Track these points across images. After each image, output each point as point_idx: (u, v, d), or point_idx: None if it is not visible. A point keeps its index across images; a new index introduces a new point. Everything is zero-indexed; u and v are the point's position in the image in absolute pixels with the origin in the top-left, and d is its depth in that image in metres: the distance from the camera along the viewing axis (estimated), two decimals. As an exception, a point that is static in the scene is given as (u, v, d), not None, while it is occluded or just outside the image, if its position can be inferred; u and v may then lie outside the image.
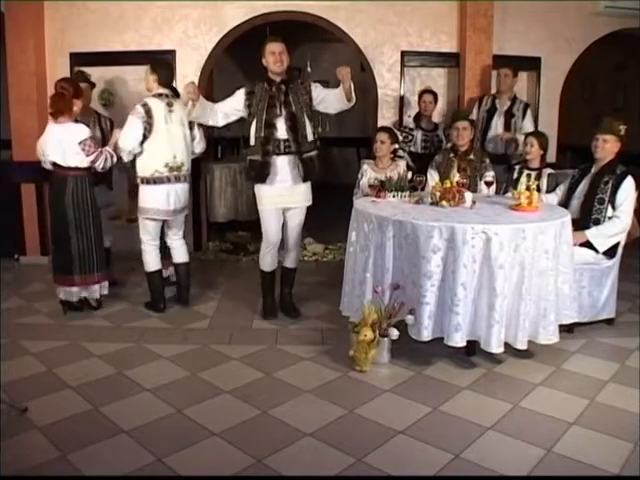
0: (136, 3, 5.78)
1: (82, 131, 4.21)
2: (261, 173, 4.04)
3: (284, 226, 4.26)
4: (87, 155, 4.17)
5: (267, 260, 4.28)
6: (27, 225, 5.80)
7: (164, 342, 3.88)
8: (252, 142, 4.04)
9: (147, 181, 4.31)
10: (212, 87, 8.30)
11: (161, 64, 4.51)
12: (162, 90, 4.32)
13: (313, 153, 4.11)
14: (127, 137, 4.22)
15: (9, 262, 5.73)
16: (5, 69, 5.69)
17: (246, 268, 5.58)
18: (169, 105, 4.27)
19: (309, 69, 8.81)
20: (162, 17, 5.83)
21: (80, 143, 4.16)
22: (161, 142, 4.25)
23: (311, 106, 4.09)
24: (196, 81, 5.58)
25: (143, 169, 4.31)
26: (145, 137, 4.22)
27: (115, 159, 4.31)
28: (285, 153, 4.02)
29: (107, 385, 3.30)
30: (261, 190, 4.13)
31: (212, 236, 6.53)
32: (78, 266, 4.33)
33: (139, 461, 2.57)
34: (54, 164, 4.25)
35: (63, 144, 4.17)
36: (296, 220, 4.26)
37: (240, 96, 4.08)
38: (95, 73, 5.72)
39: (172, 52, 5.83)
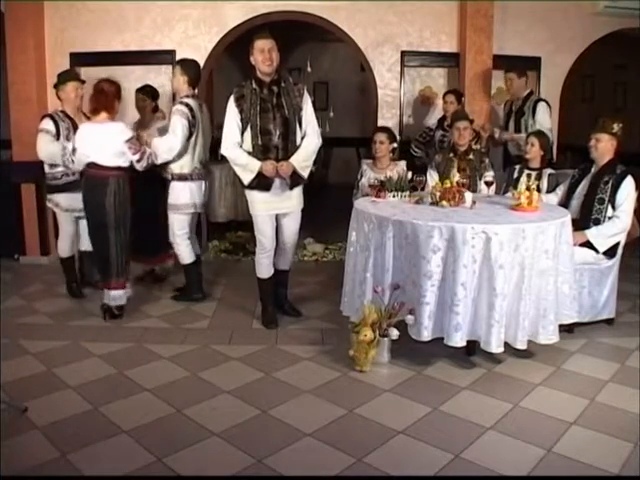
0: (136, 3, 5.79)
1: (126, 130, 4.20)
2: (265, 182, 3.90)
3: (280, 232, 4.19)
4: (133, 154, 4.15)
5: (264, 267, 4.18)
6: (27, 225, 5.80)
7: (164, 342, 3.88)
8: (249, 149, 3.90)
9: (186, 178, 4.52)
10: (212, 87, 8.31)
11: (190, 65, 4.60)
12: (193, 91, 4.54)
13: None
14: (179, 139, 4.30)
15: (9, 262, 5.74)
16: (5, 69, 5.70)
17: (246, 268, 5.57)
18: (200, 106, 4.51)
19: (309, 69, 8.82)
20: (162, 17, 5.84)
21: (127, 142, 4.14)
22: (199, 140, 4.51)
23: (301, 109, 3.95)
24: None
25: (182, 166, 4.49)
26: (190, 136, 4.39)
27: (153, 159, 4.34)
28: (277, 159, 3.89)
29: (107, 385, 3.30)
30: (253, 195, 4.01)
31: (212, 236, 6.52)
32: (116, 269, 4.22)
33: (139, 461, 2.57)
34: (91, 164, 4.14)
35: (106, 143, 4.09)
36: (293, 226, 4.18)
37: (233, 108, 3.87)
38: (95, 73, 5.73)
39: (172, 52, 5.84)
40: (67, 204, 4.65)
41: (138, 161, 4.20)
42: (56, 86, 4.69)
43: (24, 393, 3.12)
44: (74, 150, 4.22)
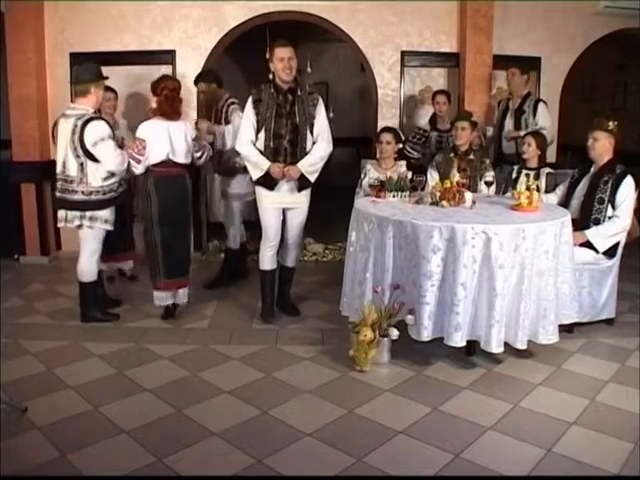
0: (136, 3, 5.78)
1: (192, 128, 4.35)
2: (270, 181, 4.05)
3: (284, 225, 4.27)
4: (197, 151, 4.33)
5: (267, 258, 4.26)
6: (27, 225, 5.80)
7: (164, 342, 3.88)
8: (262, 149, 4.04)
9: (246, 170, 4.59)
10: (212, 87, 8.28)
11: (206, 75, 5.01)
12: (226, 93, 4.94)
13: None
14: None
15: (9, 262, 5.73)
16: (5, 69, 5.69)
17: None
18: None
19: (309, 69, 8.80)
20: (162, 17, 5.83)
21: (194, 139, 4.29)
22: None
23: (314, 117, 4.07)
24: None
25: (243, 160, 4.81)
26: None
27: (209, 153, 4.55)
28: (285, 163, 4.02)
29: (107, 385, 3.30)
30: (262, 190, 4.15)
31: (212, 236, 6.52)
32: (189, 266, 4.33)
33: (139, 461, 2.57)
34: (164, 162, 4.05)
35: (182, 140, 4.13)
36: (297, 220, 4.26)
37: (250, 109, 4.04)
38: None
39: (172, 52, 5.83)
40: (112, 218, 4.16)
41: (199, 158, 4.38)
42: (79, 82, 4.07)
43: (24, 393, 3.12)
44: (143, 149, 4.00)
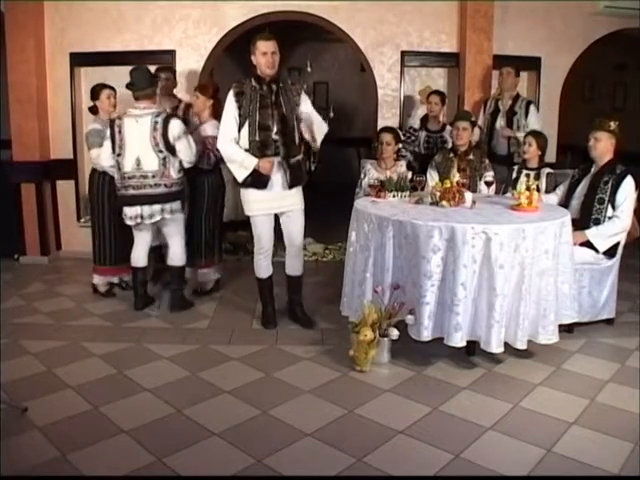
0: (136, 3, 5.78)
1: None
2: (260, 179, 3.86)
3: (284, 234, 4.12)
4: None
5: (262, 266, 4.13)
6: (27, 225, 5.80)
7: (164, 342, 3.88)
8: (246, 146, 3.86)
9: None
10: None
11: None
12: None
13: (299, 157, 4.01)
14: None
15: (9, 262, 5.74)
16: (5, 69, 5.70)
17: (246, 268, 5.55)
18: None
19: (309, 69, 8.82)
20: (162, 17, 5.83)
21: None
22: None
23: (298, 106, 3.93)
24: (196, 81, 5.58)
25: None
26: None
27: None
28: (275, 156, 3.87)
29: (107, 385, 3.30)
30: (250, 195, 3.94)
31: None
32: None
33: (139, 461, 2.58)
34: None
35: None
36: (296, 226, 4.08)
37: (232, 103, 3.85)
38: (95, 73, 5.73)
39: (172, 52, 5.83)
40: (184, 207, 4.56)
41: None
42: (145, 88, 4.26)
43: (24, 393, 3.12)
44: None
